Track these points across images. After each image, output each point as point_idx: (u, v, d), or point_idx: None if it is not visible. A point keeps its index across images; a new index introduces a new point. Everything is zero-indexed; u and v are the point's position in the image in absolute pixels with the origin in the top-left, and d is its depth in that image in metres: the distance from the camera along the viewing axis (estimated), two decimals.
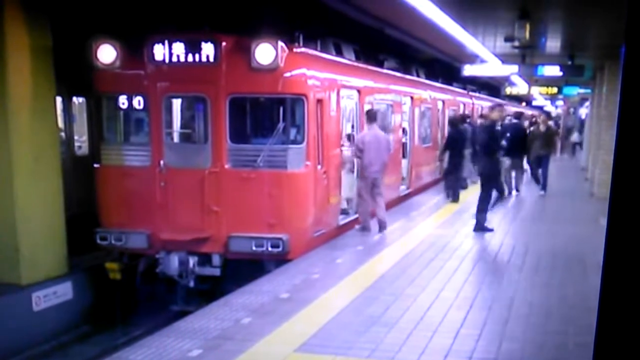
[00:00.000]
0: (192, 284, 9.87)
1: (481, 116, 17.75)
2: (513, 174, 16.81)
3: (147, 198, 10.00)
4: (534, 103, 48.99)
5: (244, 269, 9.42)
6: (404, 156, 15.91)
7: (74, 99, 14.74)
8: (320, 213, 10.42)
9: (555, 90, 28.41)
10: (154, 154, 10.05)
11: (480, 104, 27.86)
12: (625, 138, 1.96)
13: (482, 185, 11.58)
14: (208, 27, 10.01)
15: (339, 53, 12.64)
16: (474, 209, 11.81)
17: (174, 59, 9.67)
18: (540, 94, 34.51)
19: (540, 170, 17.15)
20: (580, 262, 9.26)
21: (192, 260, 9.82)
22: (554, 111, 47.20)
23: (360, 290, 7.64)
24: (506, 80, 27.16)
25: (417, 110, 16.85)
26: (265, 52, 9.31)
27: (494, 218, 12.20)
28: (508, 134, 15.90)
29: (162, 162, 9.94)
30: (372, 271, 8.62)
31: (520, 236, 11.29)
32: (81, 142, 15.19)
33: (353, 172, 12.08)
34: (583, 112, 42.35)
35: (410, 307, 7.03)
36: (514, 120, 18.44)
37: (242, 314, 6.79)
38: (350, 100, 12.16)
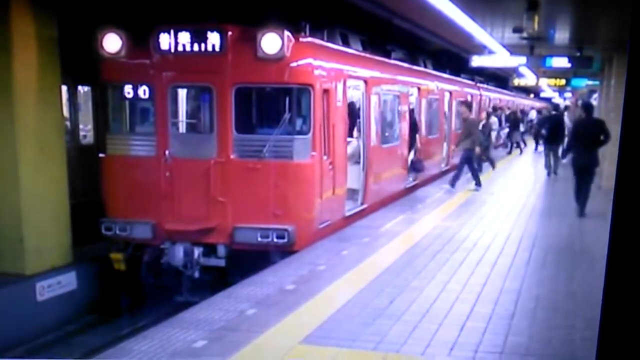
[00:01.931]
0: (197, 274, 9.86)
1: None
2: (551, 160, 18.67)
3: (153, 188, 9.97)
4: (542, 95, 48.66)
5: (249, 260, 9.40)
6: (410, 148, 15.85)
7: (79, 88, 14.73)
8: (326, 204, 10.38)
9: (563, 82, 28.34)
10: (159, 144, 10.02)
11: (488, 95, 27.75)
12: (630, 130, 1.93)
13: (589, 177, 12.21)
14: (214, 17, 9.95)
15: (346, 43, 12.56)
16: (479, 201, 11.73)
17: (180, 48, 9.62)
18: (549, 85, 34.42)
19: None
20: (588, 256, 9.19)
21: (197, 251, 9.81)
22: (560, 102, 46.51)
23: (365, 283, 7.60)
24: (514, 71, 27.04)
25: (424, 102, 16.77)
26: (271, 42, 9.26)
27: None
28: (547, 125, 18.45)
29: (167, 152, 9.90)
30: (378, 263, 8.57)
31: (527, 229, 11.22)
32: (86, 131, 15.18)
33: (359, 162, 12.06)
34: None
35: (416, 300, 6.98)
36: (552, 112, 20.72)
37: (247, 305, 6.76)
38: (356, 91, 12.10)
